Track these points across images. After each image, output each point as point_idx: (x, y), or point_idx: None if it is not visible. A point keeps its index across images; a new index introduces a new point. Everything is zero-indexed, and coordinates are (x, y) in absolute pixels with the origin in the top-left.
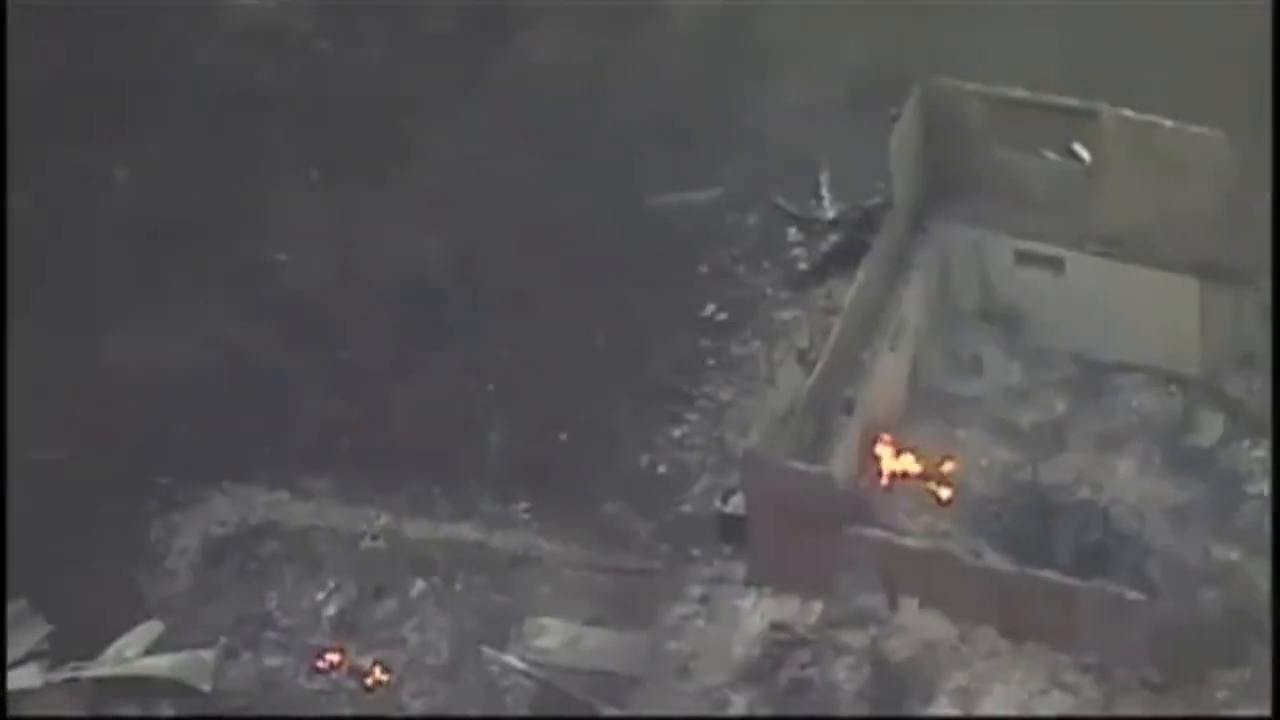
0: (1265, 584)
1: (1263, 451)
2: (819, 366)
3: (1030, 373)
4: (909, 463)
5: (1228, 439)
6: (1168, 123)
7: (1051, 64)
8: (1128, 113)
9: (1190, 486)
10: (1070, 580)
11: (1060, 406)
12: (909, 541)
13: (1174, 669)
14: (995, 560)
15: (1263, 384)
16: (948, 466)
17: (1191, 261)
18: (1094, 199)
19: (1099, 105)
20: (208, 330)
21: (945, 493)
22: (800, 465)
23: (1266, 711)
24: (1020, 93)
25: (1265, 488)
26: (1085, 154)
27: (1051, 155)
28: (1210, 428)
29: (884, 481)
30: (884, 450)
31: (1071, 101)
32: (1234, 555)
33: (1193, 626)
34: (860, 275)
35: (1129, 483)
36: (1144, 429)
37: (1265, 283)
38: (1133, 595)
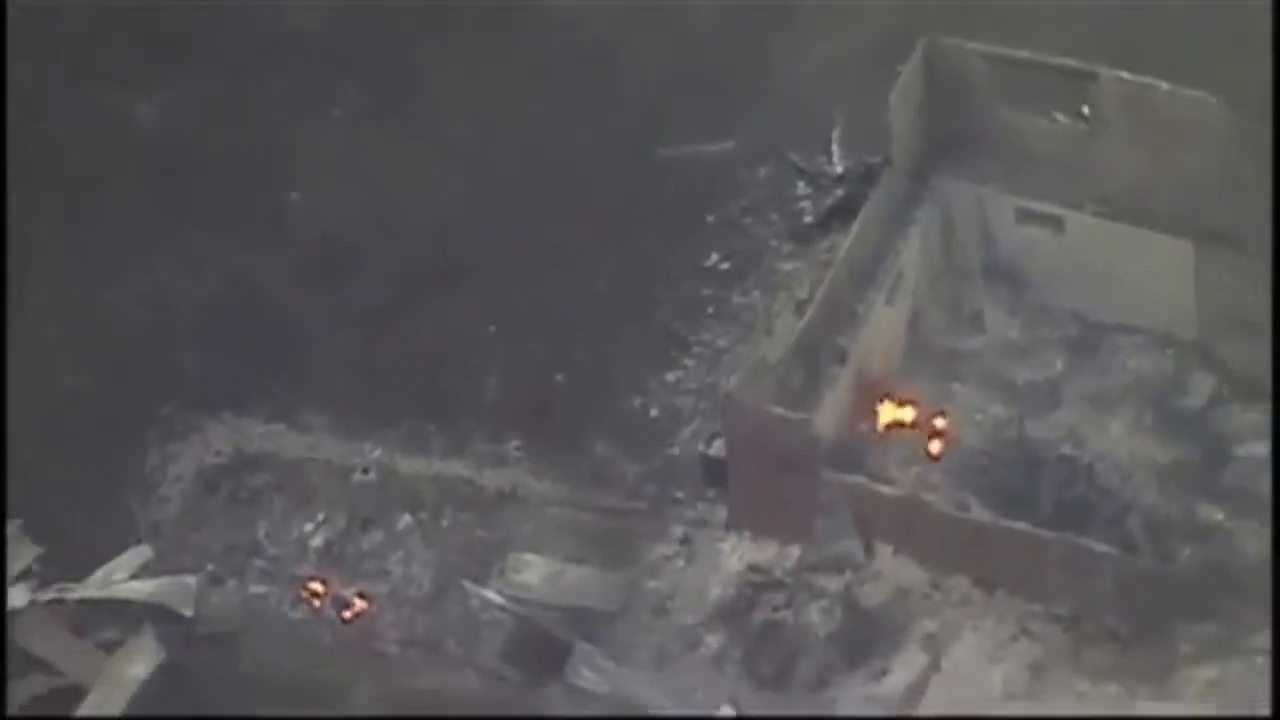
0: (1248, 543)
1: (1255, 415)
2: (808, 315)
3: (1030, 330)
4: (902, 414)
5: (1217, 401)
6: (1164, 85)
7: (1076, 28)
8: (1125, 74)
9: (1179, 446)
10: (1041, 531)
11: (1058, 364)
12: (884, 489)
13: (1141, 621)
14: (979, 512)
15: (1256, 349)
16: (940, 420)
17: (1188, 225)
18: (1093, 159)
19: (1097, 67)
20: (223, 265)
21: (936, 445)
22: (779, 410)
23: (1228, 666)
24: (1022, 52)
25: (1254, 449)
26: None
27: (1061, 117)
28: (1200, 389)
29: (877, 432)
30: (878, 401)
31: (1071, 62)
32: (1219, 515)
33: (1161, 581)
34: (855, 228)
35: (1119, 441)
36: (1137, 389)
37: (1261, 249)
38: (1101, 548)
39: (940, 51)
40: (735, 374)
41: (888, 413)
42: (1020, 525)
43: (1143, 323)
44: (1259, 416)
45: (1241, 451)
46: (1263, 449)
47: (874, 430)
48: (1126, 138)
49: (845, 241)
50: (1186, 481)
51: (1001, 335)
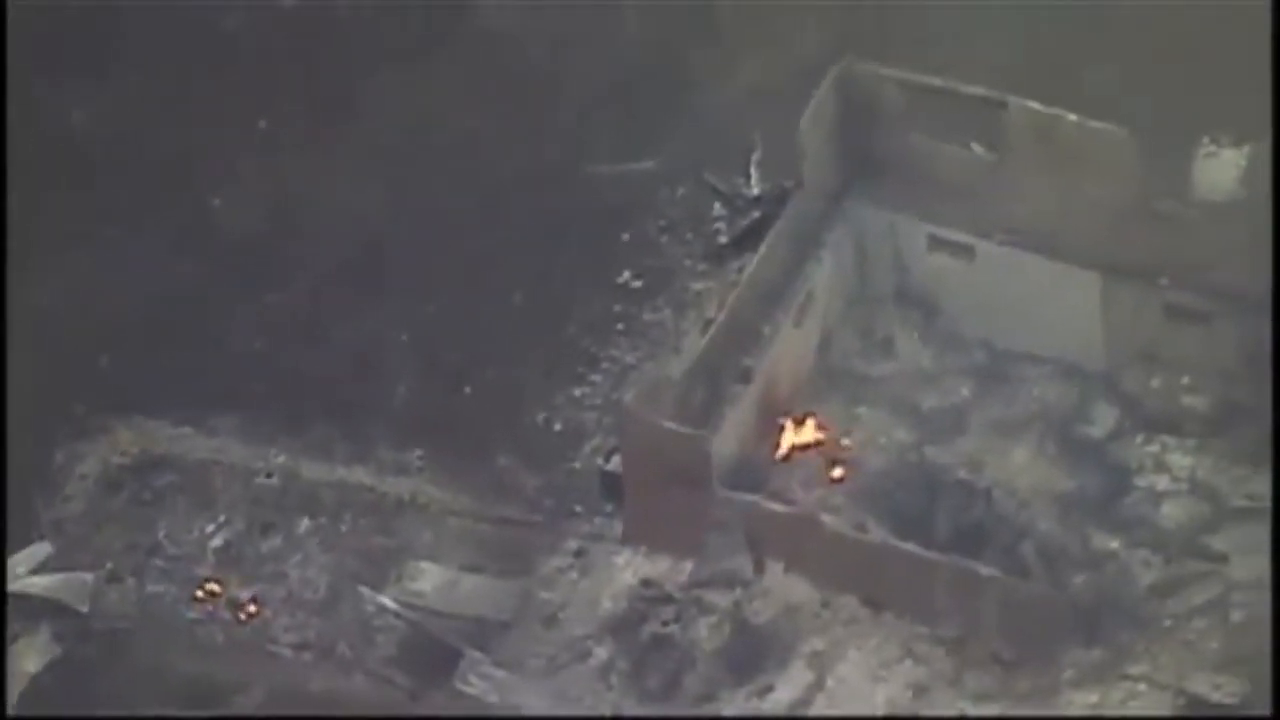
0: (1141, 572)
1: (1155, 447)
2: (710, 333)
3: (940, 358)
4: (807, 435)
5: (1120, 432)
6: (1071, 116)
7: (1006, 57)
8: (1034, 105)
9: (1080, 475)
10: (928, 553)
11: (965, 392)
12: (776, 506)
13: (1025, 646)
14: (877, 534)
15: (1161, 382)
16: (845, 443)
17: (1095, 257)
18: (1003, 189)
19: (1007, 96)
20: (143, 267)
21: (839, 468)
22: (673, 425)
23: (1109, 692)
24: (933, 80)
25: (1154, 481)
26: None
27: (977, 146)
28: (1103, 420)
29: (781, 452)
30: (784, 422)
31: (981, 91)
32: (1114, 544)
33: (1045, 606)
34: (763, 249)
35: (1021, 468)
36: (1042, 418)
37: (1168, 282)
38: (986, 571)
39: (854, 76)
40: (633, 388)
41: (792, 434)
42: (908, 547)
43: (1051, 353)
44: (1160, 449)
45: (1142, 483)
46: (1163, 481)
47: (778, 451)
48: (1036, 168)
49: (752, 263)
50: (1085, 510)
51: (911, 361)
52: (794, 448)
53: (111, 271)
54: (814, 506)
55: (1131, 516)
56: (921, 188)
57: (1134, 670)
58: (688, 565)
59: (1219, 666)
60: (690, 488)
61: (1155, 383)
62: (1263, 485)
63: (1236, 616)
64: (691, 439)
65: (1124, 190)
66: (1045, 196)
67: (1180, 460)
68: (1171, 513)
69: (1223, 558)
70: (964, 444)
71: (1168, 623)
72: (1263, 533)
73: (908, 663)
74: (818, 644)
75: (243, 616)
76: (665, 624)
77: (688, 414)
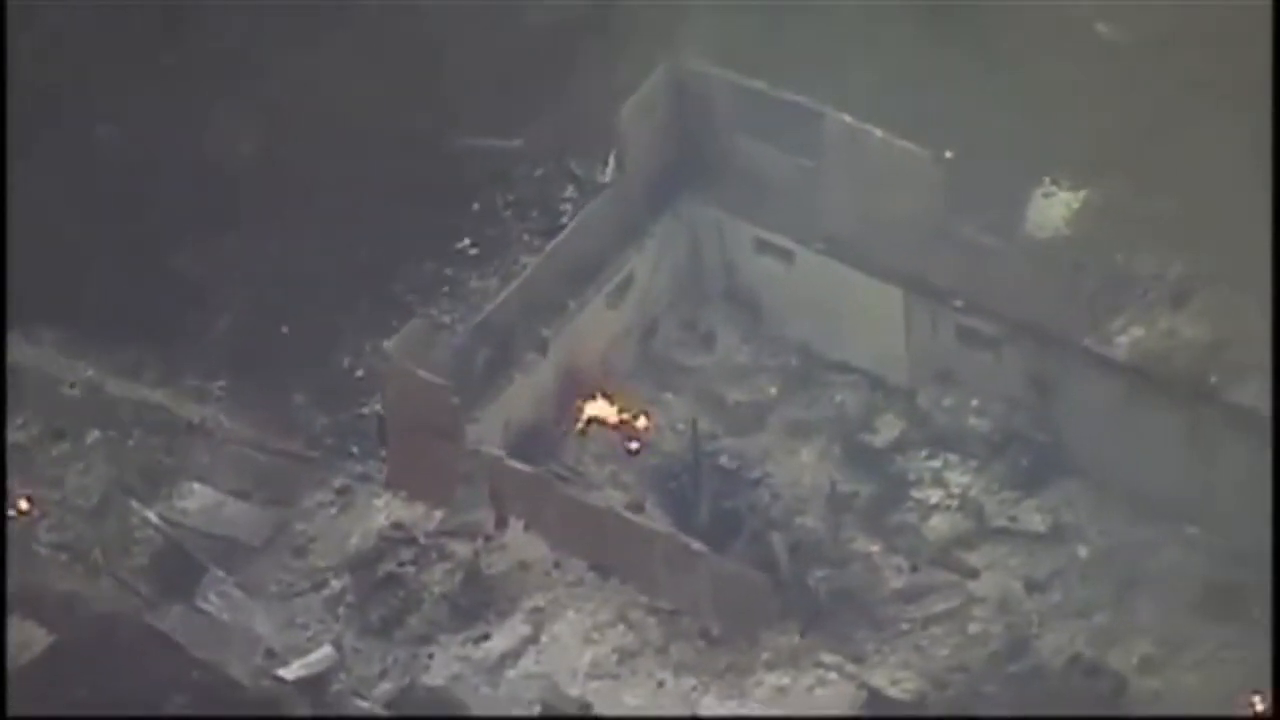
0: (891, 576)
1: (937, 462)
2: (500, 298)
3: (756, 356)
4: (606, 412)
5: (904, 445)
6: (878, 132)
7: (870, 79)
8: (847, 117)
9: (859, 481)
10: (648, 524)
11: (772, 391)
12: (516, 464)
13: (731, 624)
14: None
15: (954, 400)
16: (641, 423)
17: (898, 272)
18: (820, 197)
19: (824, 107)
20: (17, 186)
21: (633, 445)
22: (425, 374)
23: (799, 677)
24: (755, 83)
25: (929, 494)
26: None
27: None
28: (887, 430)
29: (580, 425)
30: (585, 396)
31: (802, 99)
32: (874, 547)
33: (752, 589)
34: (570, 226)
35: (806, 467)
36: (835, 423)
37: (962, 304)
38: (697, 546)
39: (684, 74)
40: (396, 336)
41: (592, 409)
42: (629, 516)
43: (860, 363)
44: (941, 465)
45: (917, 494)
46: (937, 495)
47: (576, 423)
48: (848, 180)
49: (558, 238)
50: (854, 513)
51: (728, 357)
52: (592, 421)
53: None
54: (605, 480)
55: (900, 524)
56: (749, 190)
57: (827, 659)
58: (439, 514)
59: (939, 674)
60: (442, 438)
61: (947, 401)
62: (1027, 510)
63: (972, 629)
64: (440, 389)
65: (926, 210)
66: (855, 208)
67: (958, 478)
68: (937, 525)
69: (973, 573)
70: (760, 439)
71: (905, 626)
72: (1016, 554)
73: (620, 628)
74: (540, 601)
75: (12, 514)
76: (402, 565)
77: (467, 372)
